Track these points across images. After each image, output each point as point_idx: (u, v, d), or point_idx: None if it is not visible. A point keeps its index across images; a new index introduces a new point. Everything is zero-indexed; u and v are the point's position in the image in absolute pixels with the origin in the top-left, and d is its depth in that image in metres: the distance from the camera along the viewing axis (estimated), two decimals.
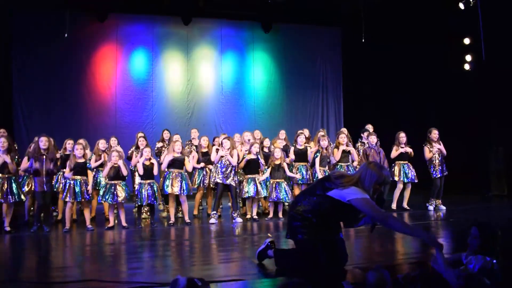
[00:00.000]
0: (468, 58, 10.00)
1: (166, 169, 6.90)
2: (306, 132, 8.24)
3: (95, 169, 7.08)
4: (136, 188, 6.90)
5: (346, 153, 7.47)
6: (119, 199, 6.46)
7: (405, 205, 7.73)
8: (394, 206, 7.72)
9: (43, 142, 6.31)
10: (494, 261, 2.87)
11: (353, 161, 7.62)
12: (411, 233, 3.35)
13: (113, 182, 6.53)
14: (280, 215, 7.09)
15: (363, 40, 10.94)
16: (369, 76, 11.87)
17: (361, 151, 8.13)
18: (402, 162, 7.74)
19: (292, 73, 12.70)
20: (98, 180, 7.10)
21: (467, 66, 10.04)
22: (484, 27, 9.20)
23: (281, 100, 12.60)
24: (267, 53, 12.68)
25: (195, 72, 12.08)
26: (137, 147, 7.76)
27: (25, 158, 6.44)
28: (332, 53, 13.10)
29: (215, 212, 6.92)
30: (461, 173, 9.32)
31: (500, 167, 9.45)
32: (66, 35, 10.17)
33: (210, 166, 7.33)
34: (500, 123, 9.38)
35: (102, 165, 7.12)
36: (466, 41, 9.97)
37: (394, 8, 10.62)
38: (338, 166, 7.41)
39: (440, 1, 10.09)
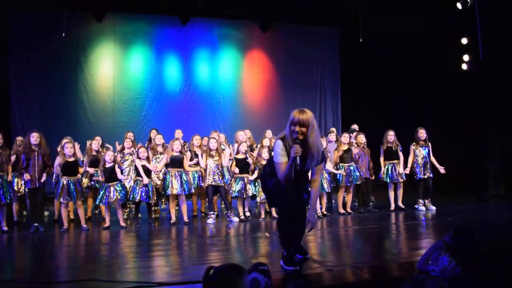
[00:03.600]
0: (466, 58, 10.03)
1: (164, 169, 6.92)
2: None
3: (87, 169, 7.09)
4: (131, 185, 6.90)
5: (347, 153, 7.48)
6: (111, 200, 6.44)
7: (399, 203, 7.74)
8: (392, 207, 7.72)
9: (35, 137, 6.25)
10: (458, 266, 2.91)
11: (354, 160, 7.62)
12: (288, 170, 3.51)
13: (108, 184, 6.51)
14: (274, 214, 7.09)
15: (361, 40, 10.95)
16: (367, 76, 11.88)
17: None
18: (389, 162, 7.72)
19: (290, 73, 12.70)
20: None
21: (464, 66, 10.06)
22: (481, 27, 9.22)
23: (279, 100, 12.59)
24: (264, 52, 12.67)
25: (193, 72, 12.07)
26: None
27: (13, 156, 6.39)
28: (330, 53, 13.10)
29: (212, 212, 6.93)
30: (458, 173, 9.36)
31: (497, 167, 9.47)
32: (63, 34, 10.16)
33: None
34: (497, 123, 9.40)
35: (97, 165, 7.12)
36: (464, 41, 9.99)
37: (392, 8, 10.63)
38: (340, 166, 7.42)
39: (438, 1, 10.10)
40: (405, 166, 7.71)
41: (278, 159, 3.60)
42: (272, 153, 3.91)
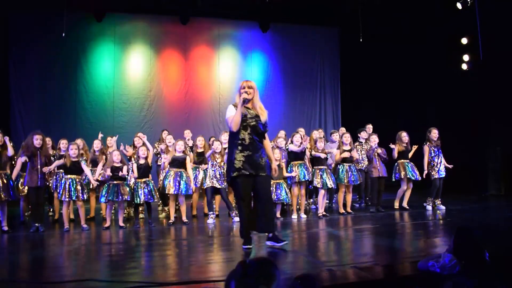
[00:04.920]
0: (466, 58, 10.03)
1: (167, 168, 6.93)
2: (302, 131, 8.22)
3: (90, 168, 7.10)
4: (132, 187, 6.89)
5: (348, 153, 7.47)
6: (125, 197, 6.47)
7: (405, 204, 7.73)
8: (396, 205, 7.72)
9: (38, 140, 6.24)
10: (458, 265, 2.91)
11: (356, 161, 7.63)
12: (237, 112, 4.47)
13: (115, 182, 6.53)
14: (278, 215, 7.09)
15: (361, 40, 10.95)
16: (367, 76, 11.89)
17: (360, 151, 8.11)
18: (405, 161, 7.73)
19: (290, 73, 12.70)
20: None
21: (464, 66, 10.07)
22: (481, 27, 9.23)
23: (279, 100, 12.60)
24: (265, 52, 12.68)
25: (193, 72, 12.07)
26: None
27: (23, 158, 6.41)
28: (330, 52, 13.11)
29: (212, 212, 6.93)
30: (458, 173, 9.35)
31: (497, 167, 9.48)
32: (63, 34, 10.16)
33: (205, 166, 7.32)
34: (498, 122, 9.40)
35: (95, 165, 7.14)
36: (464, 41, 10.00)
37: (392, 8, 10.64)
38: (340, 166, 7.41)
39: (438, 1, 10.11)
40: (418, 166, 7.76)
41: (228, 115, 4.56)
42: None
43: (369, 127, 8.68)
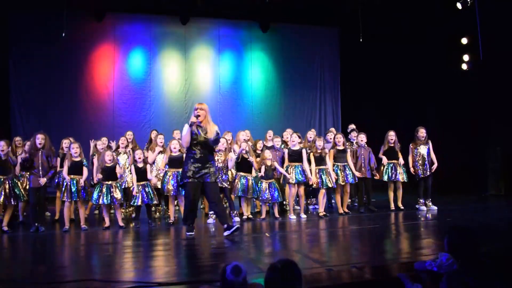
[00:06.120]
0: (466, 58, 10.03)
1: (165, 169, 6.93)
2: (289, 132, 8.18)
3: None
4: (131, 190, 6.88)
5: (342, 153, 7.45)
6: (117, 200, 6.45)
7: (399, 204, 7.72)
8: (392, 207, 7.71)
9: (39, 139, 6.33)
10: (455, 263, 2.92)
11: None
12: (187, 133, 5.58)
13: (108, 182, 6.51)
14: (277, 215, 7.09)
15: (361, 40, 10.95)
16: (367, 76, 11.87)
17: (349, 151, 8.09)
18: (389, 161, 7.70)
19: (290, 73, 12.69)
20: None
21: (465, 66, 10.07)
22: (481, 27, 9.23)
23: (279, 100, 12.59)
24: (265, 53, 12.66)
25: (193, 72, 12.06)
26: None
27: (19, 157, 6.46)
28: (330, 53, 13.08)
29: (212, 212, 6.91)
30: (458, 173, 9.36)
31: (497, 167, 9.47)
32: (63, 34, 10.14)
33: None
34: (498, 122, 9.40)
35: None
36: (464, 41, 10.00)
37: (392, 7, 10.63)
38: (335, 167, 7.39)
39: (438, 1, 10.11)
40: (406, 166, 7.73)
41: (183, 133, 5.61)
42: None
43: (351, 127, 8.71)
